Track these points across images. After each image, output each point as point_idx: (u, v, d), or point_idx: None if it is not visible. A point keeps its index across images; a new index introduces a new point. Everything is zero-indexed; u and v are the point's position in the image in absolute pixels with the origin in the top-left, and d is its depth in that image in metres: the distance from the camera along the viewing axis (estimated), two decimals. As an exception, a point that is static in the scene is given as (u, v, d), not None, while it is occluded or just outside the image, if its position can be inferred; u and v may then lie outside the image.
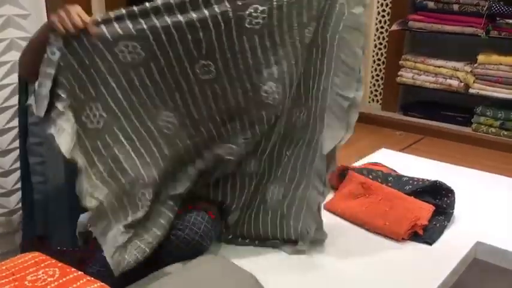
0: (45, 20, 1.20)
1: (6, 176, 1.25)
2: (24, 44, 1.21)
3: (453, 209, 1.25)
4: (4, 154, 1.25)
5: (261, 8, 0.86)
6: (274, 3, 0.87)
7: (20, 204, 1.25)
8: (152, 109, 0.92)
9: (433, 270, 1.05)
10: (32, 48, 0.93)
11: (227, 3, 0.84)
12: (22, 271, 0.70)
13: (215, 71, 0.91)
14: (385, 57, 2.54)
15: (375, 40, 2.55)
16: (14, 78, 1.22)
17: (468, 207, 1.30)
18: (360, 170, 1.41)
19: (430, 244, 1.16)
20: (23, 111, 1.15)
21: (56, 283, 0.67)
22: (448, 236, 1.19)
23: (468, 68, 2.26)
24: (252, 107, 0.95)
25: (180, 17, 0.84)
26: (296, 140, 1.07)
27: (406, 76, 2.43)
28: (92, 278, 0.69)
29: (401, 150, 2.01)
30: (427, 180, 1.32)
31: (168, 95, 0.92)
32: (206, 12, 0.84)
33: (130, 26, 0.84)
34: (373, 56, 2.58)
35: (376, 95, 2.64)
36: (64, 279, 0.68)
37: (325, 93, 1.00)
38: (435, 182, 1.30)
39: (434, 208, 1.24)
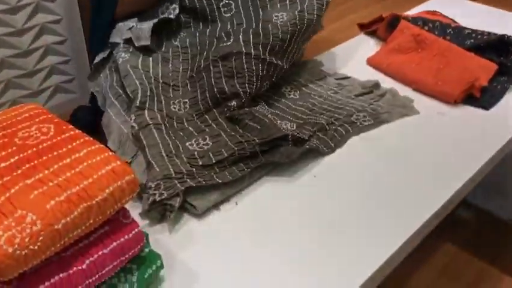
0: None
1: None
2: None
3: (520, 69, 1.08)
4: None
5: None
6: None
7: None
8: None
9: (488, 139, 0.92)
10: None
11: None
12: (14, 126, 0.62)
13: (234, 9, 1.02)
14: None
15: None
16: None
17: (538, 67, 1.12)
18: (414, 20, 1.21)
19: (487, 109, 1.01)
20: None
21: (48, 142, 0.59)
22: (509, 100, 1.04)
23: None
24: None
25: None
26: None
27: None
28: (91, 139, 0.60)
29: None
30: (493, 33, 1.13)
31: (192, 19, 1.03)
32: None
33: None
34: None
35: None
36: (59, 138, 0.59)
37: None
38: (502, 36, 1.10)
39: (497, 67, 1.07)
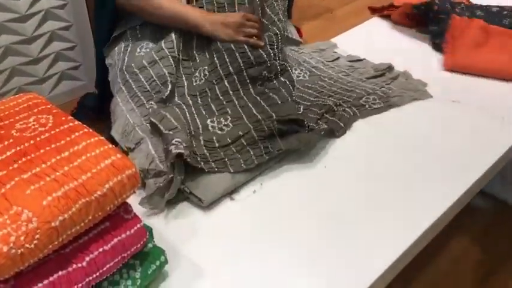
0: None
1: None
2: None
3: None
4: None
5: None
6: None
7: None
8: None
9: (508, 126, 0.88)
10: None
11: None
12: (11, 117, 0.59)
13: None
14: None
15: None
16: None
17: None
18: (441, 3, 1.15)
19: None
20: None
21: (46, 134, 0.56)
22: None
23: None
24: None
25: None
26: None
27: None
28: (90, 130, 0.57)
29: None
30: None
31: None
32: None
33: None
34: None
35: None
36: (57, 129, 0.57)
37: None
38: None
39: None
